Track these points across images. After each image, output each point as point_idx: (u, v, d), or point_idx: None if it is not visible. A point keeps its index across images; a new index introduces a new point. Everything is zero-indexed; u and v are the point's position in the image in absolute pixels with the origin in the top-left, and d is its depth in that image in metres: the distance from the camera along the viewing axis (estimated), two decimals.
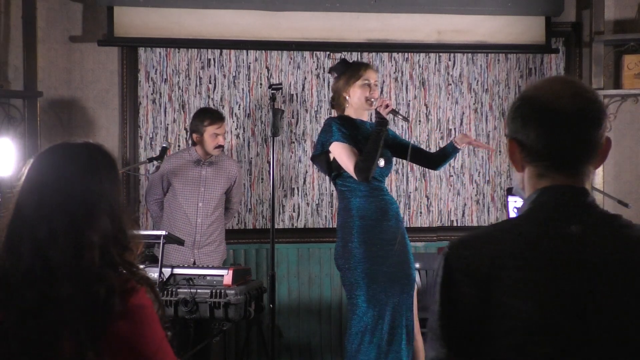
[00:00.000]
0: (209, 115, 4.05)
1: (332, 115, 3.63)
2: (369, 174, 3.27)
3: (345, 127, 3.36)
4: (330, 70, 3.57)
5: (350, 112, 3.45)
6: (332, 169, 3.42)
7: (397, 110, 3.46)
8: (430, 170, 4.53)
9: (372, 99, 3.38)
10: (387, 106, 3.31)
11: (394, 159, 3.59)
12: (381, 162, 3.37)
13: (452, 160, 3.74)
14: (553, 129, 1.25)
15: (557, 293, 1.17)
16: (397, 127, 4.60)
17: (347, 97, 3.43)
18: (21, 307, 1.39)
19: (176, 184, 4.07)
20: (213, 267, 3.62)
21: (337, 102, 3.49)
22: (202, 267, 3.64)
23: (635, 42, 4.57)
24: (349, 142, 3.32)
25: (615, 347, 1.17)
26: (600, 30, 4.60)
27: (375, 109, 3.36)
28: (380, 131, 3.29)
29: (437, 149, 4.58)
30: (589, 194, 1.27)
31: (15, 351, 1.38)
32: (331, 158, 3.39)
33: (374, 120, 3.50)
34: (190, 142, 4.18)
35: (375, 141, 3.28)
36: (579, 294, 1.17)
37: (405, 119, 3.42)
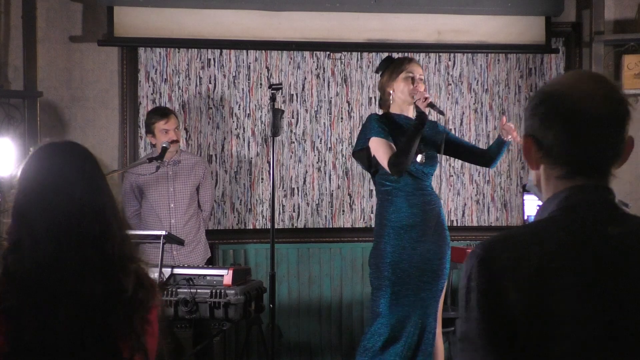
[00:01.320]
0: (155, 112, 4.10)
1: (374, 112, 3.62)
2: (402, 168, 3.21)
3: (384, 123, 3.35)
4: (377, 70, 3.55)
5: (395, 108, 3.43)
6: (371, 165, 3.41)
7: (434, 103, 3.39)
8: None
9: (415, 92, 3.31)
10: (425, 99, 3.25)
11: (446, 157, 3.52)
12: (418, 158, 3.32)
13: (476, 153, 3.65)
14: (580, 132, 1.17)
15: (605, 296, 1.12)
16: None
17: (391, 92, 3.40)
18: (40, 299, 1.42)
19: (146, 189, 4.09)
20: (213, 267, 3.62)
21: (382, 99, 3.48)
22: (202, 267, 3.64)
23: (635, 42, 4.57)
24: (386, 137, 3.30)
25: None
26: (600, 30, 4.60)
27: (415, 103, 3.31)
28: (417, 126, 3.23)
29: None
30: (614, 194, 1.22)
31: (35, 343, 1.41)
32: (372, 154, 3.37)
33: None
34: (151, 145, 4.19)
35: (411, 136, 3.22)
36: (625, 297, 1.13)
37: (442, 112, 3.37)
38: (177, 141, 4.06)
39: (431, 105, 3.31)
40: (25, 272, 1.42)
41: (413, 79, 3.36)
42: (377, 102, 4.05)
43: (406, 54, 4.77)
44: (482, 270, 1.15)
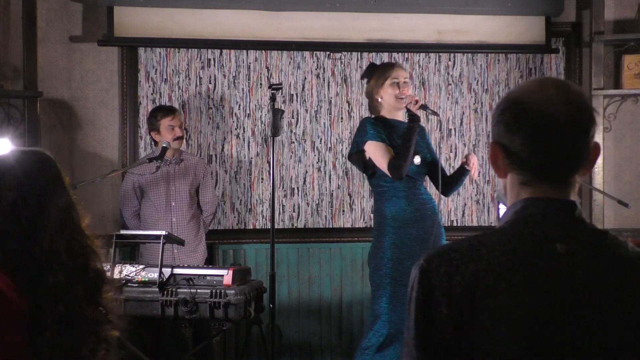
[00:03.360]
0: (160, 109, 4.14)
1: (368, 116, 3.66)
2: (402, 171, 3.28)
3: (379, 126, 3.40)
4: (362, 77, 3.63)
5: (384, 113, 3.50)
6: (368, 168, 3.44)
7: (426, 105, 3.48)
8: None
9: (402, 96, 3.40)
10: (416, 102, 3.34)
11: None
12: (416, 160, 3.38)
13: (462, 182, 3.66)
14: (542, 137, 1.16)
15: (543, 317, 1.11)
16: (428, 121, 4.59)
17: (379, 99, 3.48)
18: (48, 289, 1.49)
19: (148, 188, 4.10)
20: (213, 267, 3.62)
21: (371, 105, 3.55)
22: (202, 267, 3.64)
23: (635, 42, 4.57)
24: (382, 140, 3.34)
25: None
26: (600, 30, 4.60)
27: (406, 107, 3.38)
28: (412, 128, 3.31)
29: (437, 149, 4.59)
30: (577, 208, 1.19)
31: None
32: (367, 157, 3.42)
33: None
34: (152, 143, 4.24)
35: (408, 138, 3.29)
36: (567, 318, 1.11)
37: (435, 113, 3.44)
38: (181, 137, 4.11)
39: (423, 107, 3.38)
40: None
41: (398, 84, 3.43)
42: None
43: (406, 54, 4.78)
44: (421, 282, 1.16)
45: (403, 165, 3.27)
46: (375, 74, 3.49)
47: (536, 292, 1.11)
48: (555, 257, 1.13)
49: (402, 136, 3.32)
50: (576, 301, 1.11)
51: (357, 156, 3.46)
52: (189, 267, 3.58)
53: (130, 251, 4.53)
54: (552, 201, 1.18)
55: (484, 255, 1.14)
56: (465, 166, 3.45)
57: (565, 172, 1.19)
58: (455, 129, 4.79)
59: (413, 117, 3.33)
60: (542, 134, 1.16)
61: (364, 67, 4.69)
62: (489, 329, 1.10)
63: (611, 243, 1.17)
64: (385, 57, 4.75)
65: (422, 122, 3.49)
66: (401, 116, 3.54)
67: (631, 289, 1.13)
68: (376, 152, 3.35)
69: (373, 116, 3.56)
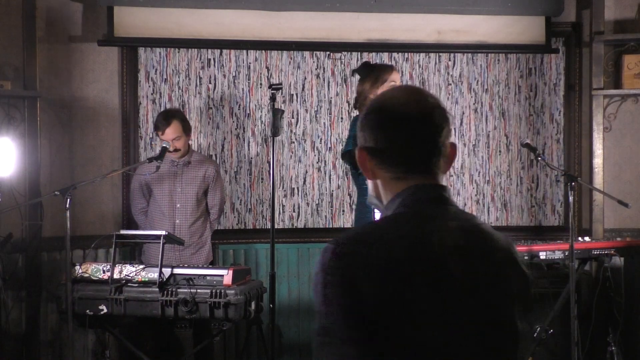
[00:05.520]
0: (157, 120, 4.04)
1: (358, 114, 3.66)
2: None
3: None
4: (354, 72, 3.64)
5: None
6: (357, 165, 3.45)
7: None
8: None
9: None
10: None
11: None
12: None
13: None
14: (402, 134, 1.30)
15: (453, 282, 1.21)
16: None
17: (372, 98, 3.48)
18: None
19: (154, 187, 4.09)
20: (213, 267, 3.62)
21: (361, 103, 3.55)
22: (202, 267, 3.64)
23: (635, 42, 4.56)
24: None
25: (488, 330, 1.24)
26: (600, 30, 4.60)
27: None
28: None
29: None
30: (449, 191, 1.34)
31: None
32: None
33: None
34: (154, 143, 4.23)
35: None
36: (470, 283, 1.23)
37: None
38: (178, 150, 4.01)
39: None
40: None
41: None
42: None
43: (406, 54, 4.77)
44: (338, 264, 1.21)
45: None
46: (372, 75, 3.49)
47: (447, 263, 1.22)
48: (451, 231, 1.26)
49: None
50: (480, 269, 1.25)
51: (350, 153, 3.45)
52: (189, 267, 3.58)
53: (131, 251, 4.53)
54: (430, 186, 1.32)
55: (393, 232, 1.24)
56: None
57: (429, 163, 1.32)
58: (455, 129, 4.79)
59: None
60: (402, 131, 1.30)
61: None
62: (414, 299, 1.19)
63: (480, 221, 1.33)
64: (385, 57, 4.75)
65: None
66: None
67: (511, 262, 1.30)
68: None
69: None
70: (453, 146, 1.35)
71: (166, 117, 3.99)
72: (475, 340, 1.22)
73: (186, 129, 4.04)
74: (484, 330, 1.24)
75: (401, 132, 1.30)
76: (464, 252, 1.25)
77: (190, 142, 4.17)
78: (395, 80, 3.47)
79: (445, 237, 1.24)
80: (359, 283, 1.18)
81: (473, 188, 4.83)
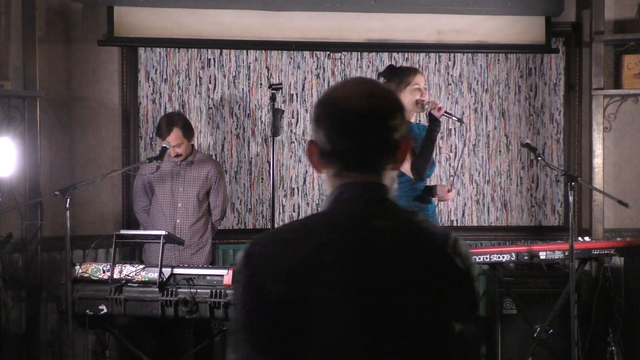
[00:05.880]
0: (158, 126, 4.03)
1: None
2: (424, 173, 3.45)
3: None
4: (379, 76, 3.69)
5: None
6: None
7: (449, 112, 3.60)
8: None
9: (424, 103, 3.51)
10: (439, 109, 3.46)
11: None
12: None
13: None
14: (343, 129, 1.23)
15: (366, 287, 1.16)
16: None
17: None
18: None
19: (156, 187, 4.09)
20: (213, 267, 3.62)
21: None
22: (202, 267, 3.64)
23: (635, 42, 4.56)
24: None
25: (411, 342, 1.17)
26: (600, 30, 4.60)
27: (429, 112, 3.48)
28: (435, 131, 3.45)
29: (437, 149, 4.59)
30: (387, 189, 1.27)
31: None
32: None
33: (419, 122, 3.64)
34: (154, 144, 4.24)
35: (431, 141, 3.44)
36: (390, 288, 1.17)
37: (460, 120, 3.61)
38: (179, 155, 4.01)
39: (447, 114, 3.51)
40: None
41: (420, 90, 3.52)
42: None
43: (406, 54, 4.77)
44: (247, 264, 1.20)
45: (425, 167, 3.43)
46: (396, 77, 3.52)
47: (360, 264, 1.17)
48: (375, 232, 1.20)
49: (425, 139, 3.44)
50: (397, 270, 1.18)
51: None
52: (189, 267, 3.58)
53: (131, 251, 4.53)
54: (364, 184, 1.25)
55: (309, 233, 1.20)
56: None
57: (372, 161, 1.26)
58: (455, 129, 4.79)
59: (435, 122, 3.45)
60: (343, 126, 1.24)
61: (365, 67, 4.74)
62: (320, 300, 1.15)
63: (421, 220, 1.26)
64: (385, 57, 4.75)
65: (423, 124, 3.51)
66: (414, 118, 3.64)
67: (441, 260, 1.21)
68: None
69: None
70: (405, 142, 1.28)
71: (167, 125, 3.96)
72: (387, 345, 1.16)
73: (188, 134, 4.02)
74: (399, 335, 1.16)
75: (339, 128, 1.24)
76: (383, 253, 1.19)
77: (192, 143, 4.16)
78: (419, 82, 3.50)
79: (364, 238, 1.19)
80: (267, 283, 1.16)
81: (473, 188, 4.83)
